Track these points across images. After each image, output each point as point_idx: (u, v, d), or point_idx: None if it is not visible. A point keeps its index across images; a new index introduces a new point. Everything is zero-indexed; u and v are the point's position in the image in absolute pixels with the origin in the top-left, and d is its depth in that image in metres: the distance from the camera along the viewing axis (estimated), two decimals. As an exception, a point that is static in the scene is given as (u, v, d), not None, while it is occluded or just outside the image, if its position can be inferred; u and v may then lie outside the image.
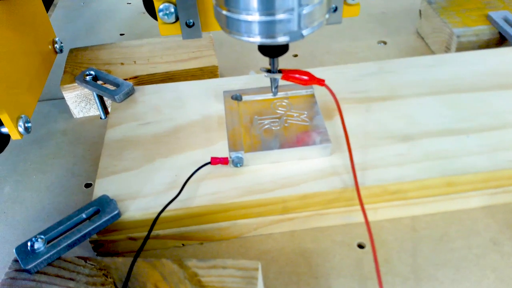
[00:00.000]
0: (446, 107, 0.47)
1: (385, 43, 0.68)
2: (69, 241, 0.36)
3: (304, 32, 0.33)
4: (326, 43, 0.69)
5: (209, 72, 0.56)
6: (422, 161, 0.41)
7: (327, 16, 0.35)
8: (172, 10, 0.43)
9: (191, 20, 0.44)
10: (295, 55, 0.67)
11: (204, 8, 0.43)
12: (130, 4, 0.85)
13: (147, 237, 0.35)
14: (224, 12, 0.34)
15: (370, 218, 0.39)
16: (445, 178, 0.40)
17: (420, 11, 0.68)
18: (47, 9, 0.97)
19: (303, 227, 0.42)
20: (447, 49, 0.61)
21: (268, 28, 0.32)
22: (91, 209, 0.38)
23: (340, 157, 0.42)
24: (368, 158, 0.42)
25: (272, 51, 0.37)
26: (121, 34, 0.76)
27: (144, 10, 0.82)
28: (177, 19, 0.43)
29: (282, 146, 0.41)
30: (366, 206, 0.38)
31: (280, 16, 0.32)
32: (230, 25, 0.34)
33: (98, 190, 0.40)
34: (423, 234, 0.41)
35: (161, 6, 0.43)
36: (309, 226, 0.42)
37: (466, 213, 0.43)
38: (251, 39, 0.33)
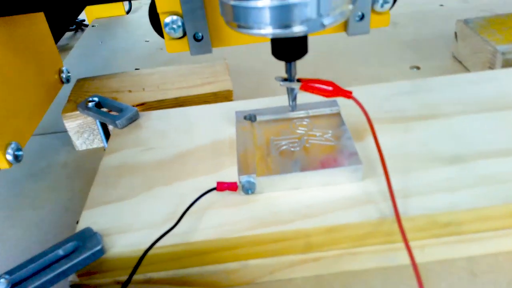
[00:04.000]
0: (500, 125, 0.39)
1: (418, 68, 0.62)
2: (38, 283, 0.29)
3: (325, 20, 0.27)
4: (353, 69, 0.63)
5: (223, 98, 0.51)
6: (478, 186, 0.33)
7: (350, 6, 0.29)
8: (180, 23, 0.38)
9: (200, 34, 0.39)
10: (319, 83, 0.61)
11: (213, 20, 0.39)
12: (148, 41, 0.83)
13: (128, 281, 0.28)
14: (230, 1, 0.28)
15: (415, 259, 0.31)
16: (509, 206, 0.32)
17: (455, 33, 0.62)
18: (59, 38, 0.96)
19: (332, 271, 0.34)
20: (491, 69, 0.54)
21: (281, 14, 0.27)
22: (70, 244, 0.31)
23: (375, 182, 0.34)
24: (410, 184, 0.34)
25: (288, 51, 0.31)
26: (136, 69, 0.73)
27: (162, 46, 0.79)
28: (184, 33, 0.39)
29: (303, 168, 0.34)
30: (410, 243, 0.30)
31: (295, -1, 0.26)
32: (237, 17, 0.28)
33: (84, 223, 0.34)
34: (484, 280, 0.33)
35: (167, 20, 0.39)
36: (339, 270, 0.34)
37: (540, 252, 0.34)
38: (262, 31, 0.28)
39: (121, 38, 0.86)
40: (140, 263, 0.30)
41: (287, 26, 0.27)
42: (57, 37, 0.92)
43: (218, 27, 0.39)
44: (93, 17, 1.01)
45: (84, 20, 1.08)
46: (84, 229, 0.32)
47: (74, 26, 1.09)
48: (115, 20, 0.97)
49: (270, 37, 0.29)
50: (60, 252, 0.31)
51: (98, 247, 0.31)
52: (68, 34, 1.08)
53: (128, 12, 1.07)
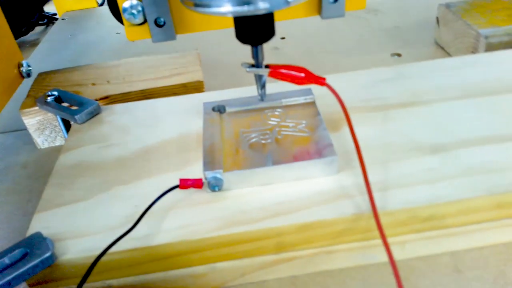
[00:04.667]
0: (484, 112, 0.37)
1: (399, 55, 0.60)
2: (-23, 297, 0.26)
3: (289, -4, 0.25)
4: (333, 59, 0.61)
5: (193, 89, 0.48)
6: (461, 177, 0.31)
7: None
8: (139, 8, 0.35)
9: (162, 19, 0.36)
10: (297, 73, 0.59)
11: (176, 4, 0.36)
12: (120, 33, 0.79)
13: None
14: (184, -22, 0.25)
15: (396, 256, 0.28)
16: (494, 197, 0.30)
17: (437, 18, 0.60)
18: (22, 34, 0.92)
19: (307, 271, 0.32)
20: (474, 54, 0.52)
21: (240, -10, 0.24)
22: (17, 251, 0.28)
23: (351, 174, 0.32)
24: (390, 176, 0.32)
25: (253, 33, 0.29)
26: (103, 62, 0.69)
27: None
28: (145, 19, 0.36)
29: (274, 162, 0.32)
30: (389, 240, 0.28)
31: (254, -27, 0.23)
32: (192, -6, 0.26)
33: (35, 227, 0.31)
34: (469, 276, 0.31)
35: (125, 4, 0.35)
36: (314, 270, 0.32)
37: (528, 245, 0.32)
38: (221, 9, 0.25)
39: (92, 31, 0.82)
40: (91, 270, 0.27)
41: (247, 2, 0.24)
42: (23, 30, 0.88)
43: (182, 11, 0.36)
44: (64, 10, 0.97)
45: (55, 14, 1.03)
46: (33, 234, 0.29)
47: (45, 20, 1.04)
48: (86, 12, 0.94)
49: (231, 15, 0.26)
50: (6, 260, 0.28)
51: (48, 254, 0.28)
52: (38, 28, 1.04)
53: (101, 5, 1.03)
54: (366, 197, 0.30)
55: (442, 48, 0.60)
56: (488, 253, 0.32)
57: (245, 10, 0.25)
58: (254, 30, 0.28)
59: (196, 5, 0.26)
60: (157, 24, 0.36)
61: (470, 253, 0.32)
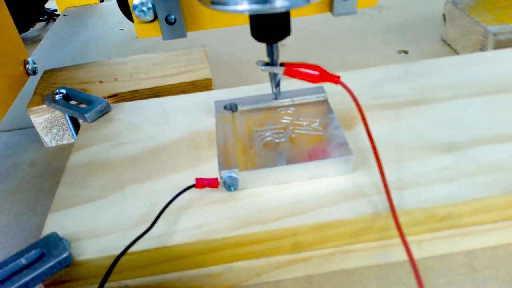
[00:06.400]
0: (498, 109, 0.37)
1: (406, 52, 0.60)
2: (-5, 298, 0.26)
3: (310, -6, 0.24)
4: (339, 55, 0.61)
5: (202, 87, 0.48)
6: (477, 175, 0.31)
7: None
8: (150, 5, 0.35)
9: (173, 16, 0.36)
10: (304, 70, 0.59)
11: (187, 1, 0.35)
12: (123, 30, 0.79)
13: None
14: (202, -24, 0.25)
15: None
16: (511, 195, 0.30)
17: (443, 15, 0.60)
18: (28, 27, 0.92)
19: (323, 271, 0.32)
20: (482, 51, 0.52)
21: (260, -12, 0.24)
22: (33, 252, 0.28)
23: (366, 173, 0.32)
24: (405, 175, 0.32)
25: (269, 31, 0.28)
26: (109, 59, 0.69)
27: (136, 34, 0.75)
28: (156, 16, 0.36)
29: (289, 161, 0.31)
30: (406, 239, 0.28)
31: (275, -29, 0.23)
32: (210, -7, 0.25)
33: (50, 227, 0.31)
34: (485, 274, 0.31)
35: (135, 1, 0.35)
36: (330, 269, 0.32)
37: (543, 244, 0.32)
38: (239, 7, 0.25)
39: (94, 27, 0.82)
40: (112, 270, 0.27)
41: (266, 0, 0.24)
42: (25, 26, 0.87)
43: (193, 8, 0.36)
44: (65, 6, 0.96)
45: (56, 10, 1.03)
46: (49, 235, 0.29)
47: (45, 17, 1.04)
48: (88, 8, 0.93)
49: (248, 14, 0.26)
50: (23, 261, 0.28)
51: (65, 254, 0.28)
52: (39, 25, 1.03)
53: (102, 0, 1.02)
54: (382, 196, 0.30)
55: (449, 45, 0.60)
56: (503, 252, 0.32)
57: (263, 8, 0.24)
58: (271, 28, 0.28)
59: (213, 3, 0.26)
60: (168, 21, 0.36)
61: (485, 252, 0.32)
